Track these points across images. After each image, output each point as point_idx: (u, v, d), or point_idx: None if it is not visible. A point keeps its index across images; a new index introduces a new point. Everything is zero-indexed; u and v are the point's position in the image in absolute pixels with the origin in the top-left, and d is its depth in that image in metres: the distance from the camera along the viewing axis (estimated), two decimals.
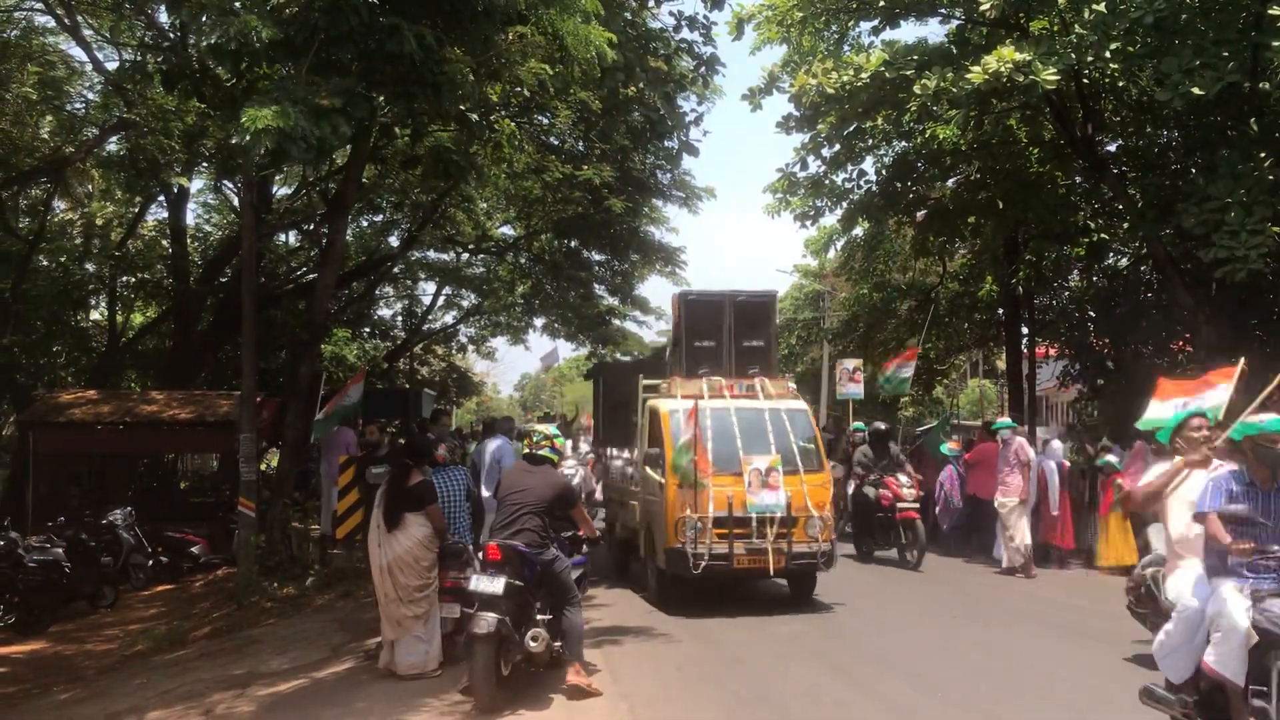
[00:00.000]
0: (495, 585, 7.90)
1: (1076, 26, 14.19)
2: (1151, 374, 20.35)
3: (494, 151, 17.14)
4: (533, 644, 8.02)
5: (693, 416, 11.71)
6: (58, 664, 12.03)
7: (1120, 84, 16.56)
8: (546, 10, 10.37)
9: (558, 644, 8.37)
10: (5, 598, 13.26)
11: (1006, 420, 16.77)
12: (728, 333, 13.27)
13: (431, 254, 30.20)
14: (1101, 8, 13.66)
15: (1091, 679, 8.78)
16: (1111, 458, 14.92)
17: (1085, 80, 16.62)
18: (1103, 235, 21.67)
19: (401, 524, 9.00)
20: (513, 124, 17.40)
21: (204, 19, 8.94)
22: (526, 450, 9.10)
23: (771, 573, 11.81)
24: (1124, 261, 22.62)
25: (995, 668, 9.23)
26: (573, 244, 27.43)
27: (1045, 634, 10.90)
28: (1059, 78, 14.00)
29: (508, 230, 29.70)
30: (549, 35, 10.84)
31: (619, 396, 15.51)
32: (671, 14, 14.62)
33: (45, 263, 22.88)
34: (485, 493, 13.13)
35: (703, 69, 15.75)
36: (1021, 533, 14.77)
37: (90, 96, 20.25)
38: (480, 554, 8.53)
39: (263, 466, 18.21)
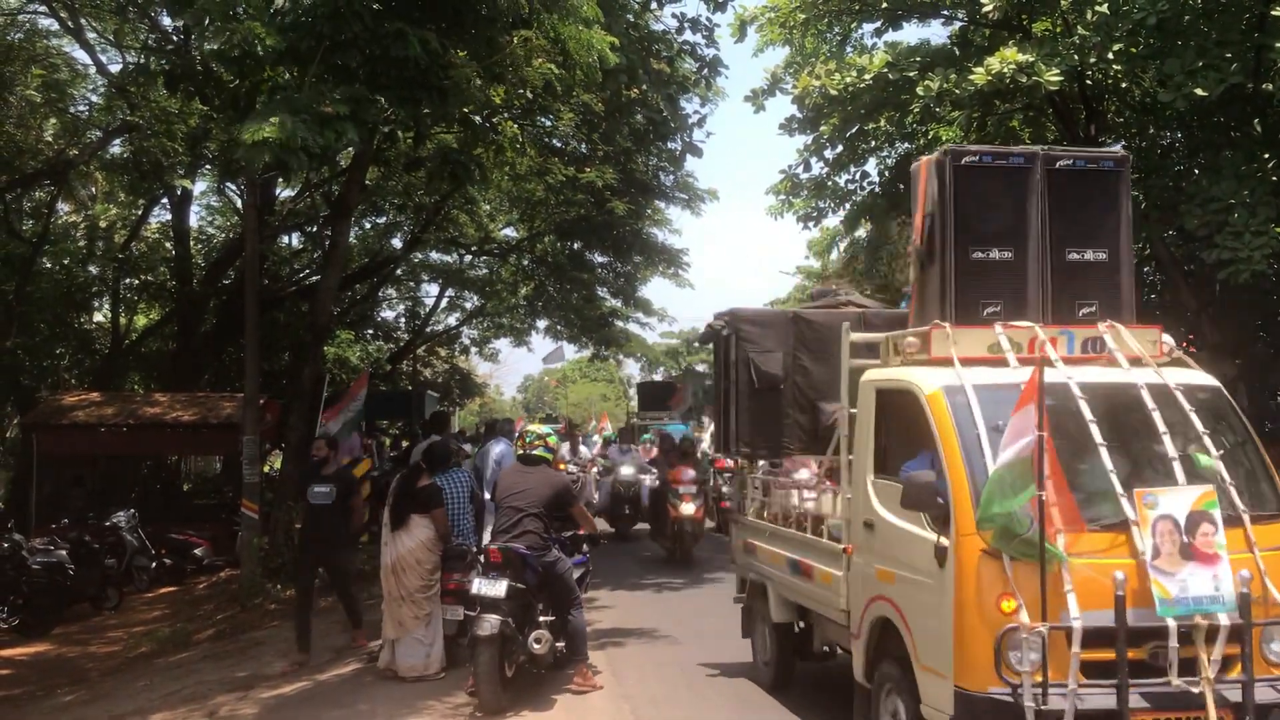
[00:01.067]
0: (498, 589, 7.95)
1: (1079, 28, 14.18)
2: None
3: (496, 154, 17.16)
4: (536, 646, 8.04)
5: (1033, 403, 5.36)
6: (61, 666, 12.05)
7: (1123, 85, 16.52)
8: (548, 15, 10.41)
9: (560, 644, 8.40)
10: (9, 599, 13.27)
11: None
12: (1039, 233, 6.93)
13: (434, 256, 30.25)
14: (1104, 9, 13.65)
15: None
16: None
17: (1088, 81, 16.59)
18: None
19: (406, 525, 9.06)
20: (515, 126, 17.42)
21: (207, 25, 8.95)
22: (520, 451, 9.10)
23: None
24: None
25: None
26: (575, 246, 27.45)
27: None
28: (1062, 79, 13.98)
29: (510, 232, 29.73)
30: (551, 40, 10.87)
31: (773, 366, 8.91)
32: (674, 16, 14.68)
33: (49, 265, 22.92)
34: (487, 495, 13.12)
35: (705, 71, 15.81)
36: None
37: (94, 99, 20.32)
38: (482, 557, 8.51)
39: (266, 469, 18.23)
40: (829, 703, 8.15)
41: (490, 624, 7.78)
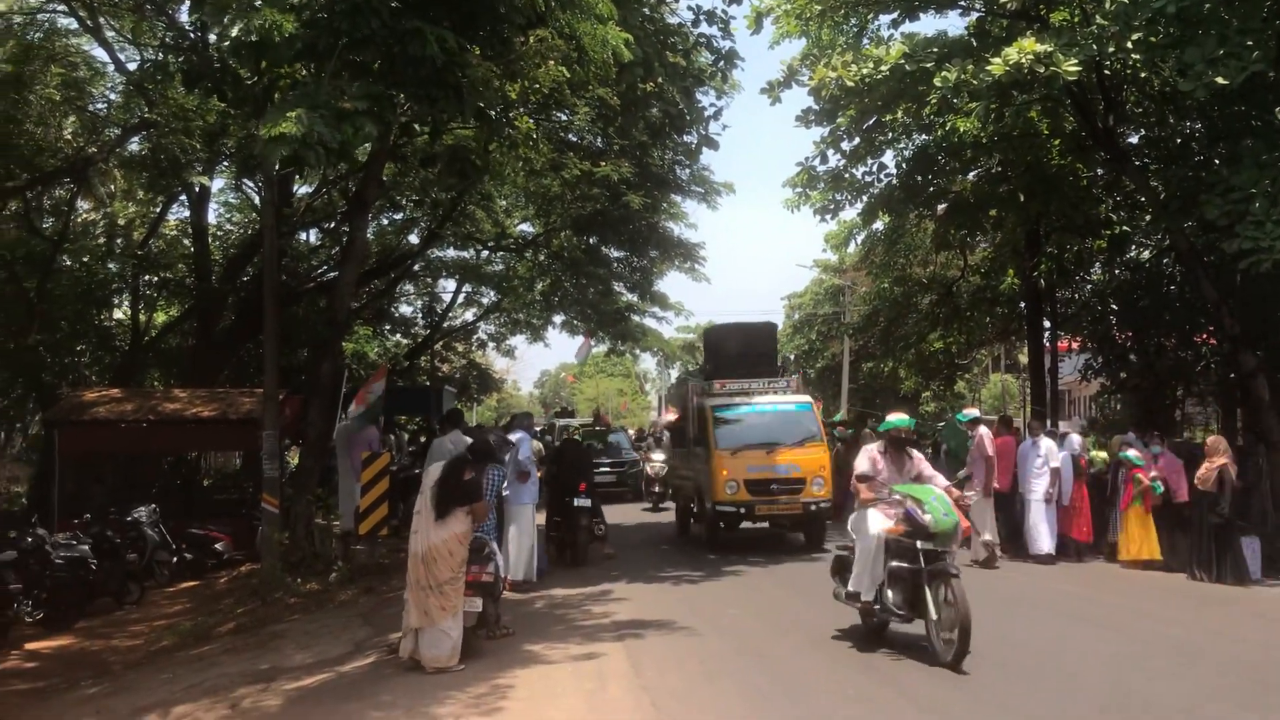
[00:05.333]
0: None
1: (1098, 17, 14.09)
2: (1175, 367, 20.36)
3: (511, 149, 17.19)
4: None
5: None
6: (85, 659, 12.12)
7: (1142, 75, 16.42)
8: (563, 13, 10.43)
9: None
10: (34, 593, 13.34)
11: (971, 412, 16.89)
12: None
13: (451, 251, 30.36)
14: None
15: (1108, 668, 8.76)
16: (1132, 452, 14.83)
17: (1107, 71, 16.52)
18: (1125, 227, 21.54)
19: (447, 516, 9.13)
20: (531, 121, 17.42)
21: (225, 15, 8.99)
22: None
23: None
24: (1146, 254, 22.49)
25: (1016, 659, 9.19)
26: (591, 240, 27.48)
27: (1064, 625, 10.84)
28: (1080, 69, 13.91)
29: (527, 227, 29.78)
30: (566, 37, 10.89)
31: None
32: (690, 9, 14.62)
33: (69, 262, 23.09)
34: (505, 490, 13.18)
35: (721, 63, 15.77)
36: (988, 527, 14.86)
37: (112, 97, 20.47)
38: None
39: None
40: (853, 695, 8.16)
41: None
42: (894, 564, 9.17)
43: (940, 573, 8.84)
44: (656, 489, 24.47)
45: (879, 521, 9.43)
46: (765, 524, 17.15)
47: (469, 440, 13.49)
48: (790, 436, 16.58)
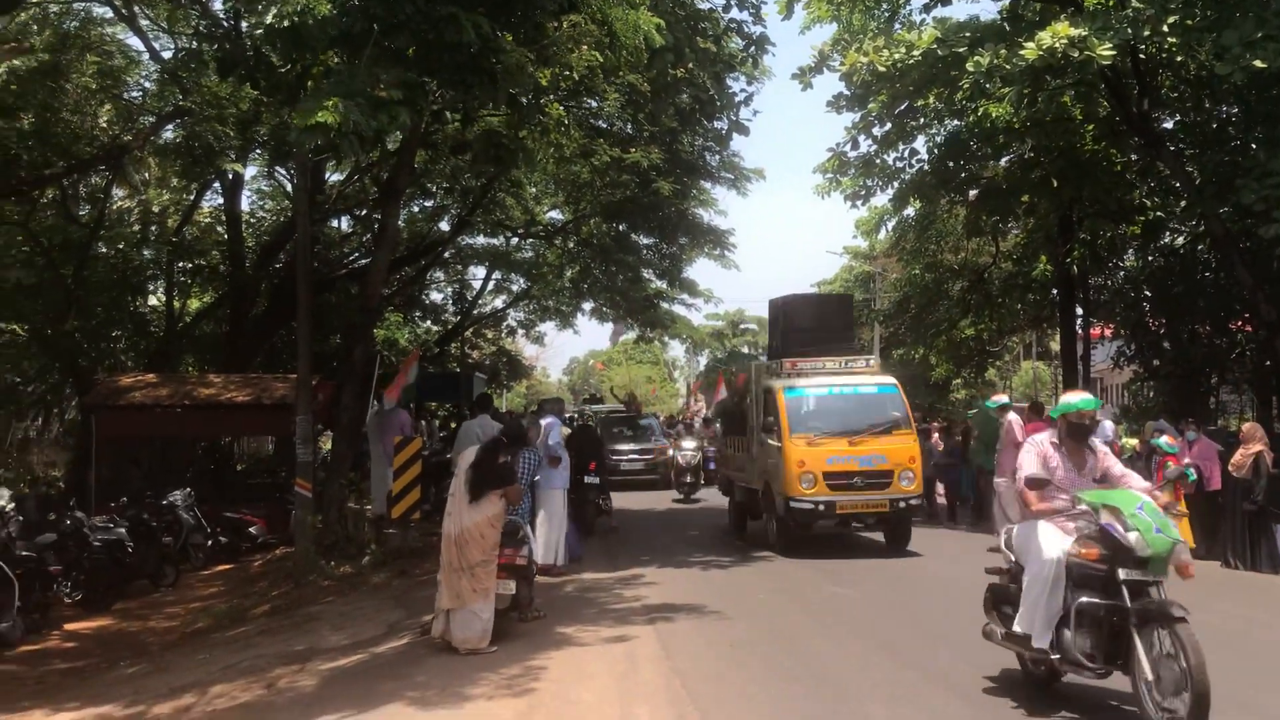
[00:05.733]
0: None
1: (1133, 0, 13.96)
2: (1210, 354, 20.18)
3: (542, 136, 17.22)
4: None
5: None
6: (123, 639, 12.31)
7: (1178, 58, 16.27)
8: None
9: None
10: (72, 575, 13.57)
11: (1000, 399, 16.60)
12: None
13: (481, 238, 30.43)
14: None
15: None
16: (1164, 439, 14.72)
17: (1141, 55, 16.38)
18: (1159, 213, 21.35)
19: (480, 499, 9.21)
20: (561, 108, 17.45)
21: (260, 2, 9.05)
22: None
23: None
24: (1181, 240, 22.28)
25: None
26: (621, 227, 27.48)
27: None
28: (1115, 53, 13.80)
29: (556, 214, 29.81)
30: (598, 22, 10.91)
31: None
32: None
33: (105, 249, 23.33)
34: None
35: (752, 49, 15.71)
36: (1017, 514, 14.60)
37: (147, 85, 20.66)
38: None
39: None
40: (883, 679, 8.18)
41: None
42: (1083, 599, 6.86)
43: (1158, 614, 6.51)
44: (688, 479, 23.69)
45: (1056, 540, 7.13)
46: (852, 523, 14.95)
47: (496, 425, 13.67)
48: (874, 423, 14.76)
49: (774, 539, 15.08)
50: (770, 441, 15.03)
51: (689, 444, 24.38)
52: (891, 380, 15.78)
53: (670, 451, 26.03)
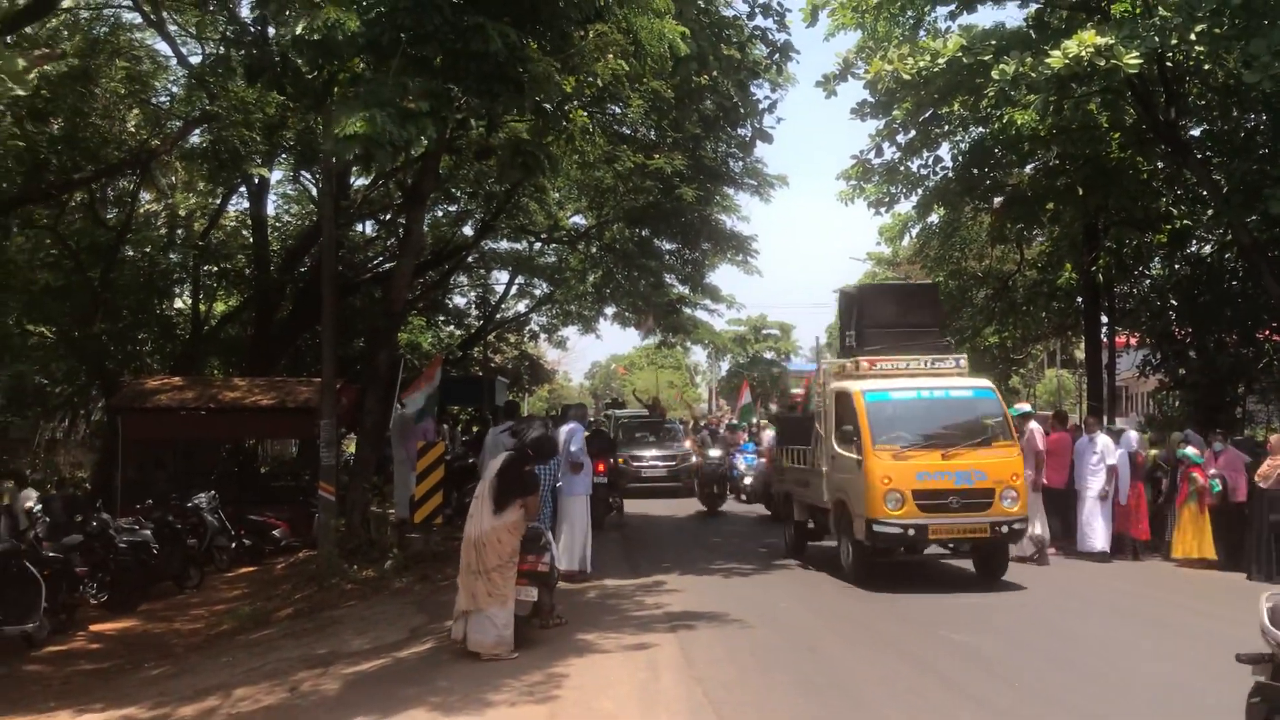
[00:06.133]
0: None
1: (1160, 8, 13.88)
2: (1236, 364, 20.01)
3: (567, 143, 17.26)
4: None
5: None
6: (148, 641, 12.41)
7: (1205, 66, 16.17)
8: (620, 8, 10.48)
9: None
10: (98, 576, 13.69)
11: (1022, 407, 16.46)
12: None
13: (504, 243, 30.48)
14: None
15: (1163, 666, 8.67)
16: (1190, 449, 14.62)
17: (1169, 63, 16.27)
18: (1186, 222, 21.21)
19: (506, 506, 9.26)
20: (586, 114, 17.49)
21: (290, 12, 9.14)
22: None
23: None
24: (1208, 249, 22.13)
25: (1067, 654, 9.13)
26: (644, 233, 27.47)
27: (1117, 622, 10.72)
28: (1141, 61, 13.72)
29: (579, 220, 29.83)
30: (623, 31, 10.94)
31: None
32: (745, 1, 14.61)
33: (132, 253, 23.54)
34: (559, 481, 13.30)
35: (776, 56, 15.71)
36: (1039, 522, 14.47)
37: (175, 90, 20.82)
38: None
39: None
40: (904, 689, 8.16)
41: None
42: None
43: None
44: (714, 489, 22.08)
45: None
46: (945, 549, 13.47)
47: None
48: (971, 433, 12.81)
49: (848, 566, 13.12)
50: (845, 453, 13.02)
51: (715, 452, 22.84)
52: (987, 383, 14.10)
53: (694, 458, 25.12)
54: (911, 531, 12.23)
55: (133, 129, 20.66)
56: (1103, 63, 13.47)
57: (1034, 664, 8.81)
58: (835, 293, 16.68)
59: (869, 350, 13.94)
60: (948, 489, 12.24)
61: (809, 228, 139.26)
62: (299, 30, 8.89)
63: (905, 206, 22.46)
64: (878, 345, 13.99)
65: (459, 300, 34.47)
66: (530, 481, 9.58)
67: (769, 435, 21.33)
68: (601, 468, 16.56)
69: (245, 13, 16.48)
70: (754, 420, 29.25)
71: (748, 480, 22.54)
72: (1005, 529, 12.36)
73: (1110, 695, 7.94)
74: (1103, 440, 15.23)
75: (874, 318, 14.57)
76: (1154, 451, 16.16)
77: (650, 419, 29.70)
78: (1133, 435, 16.03)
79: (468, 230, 28.31)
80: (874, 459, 12.34)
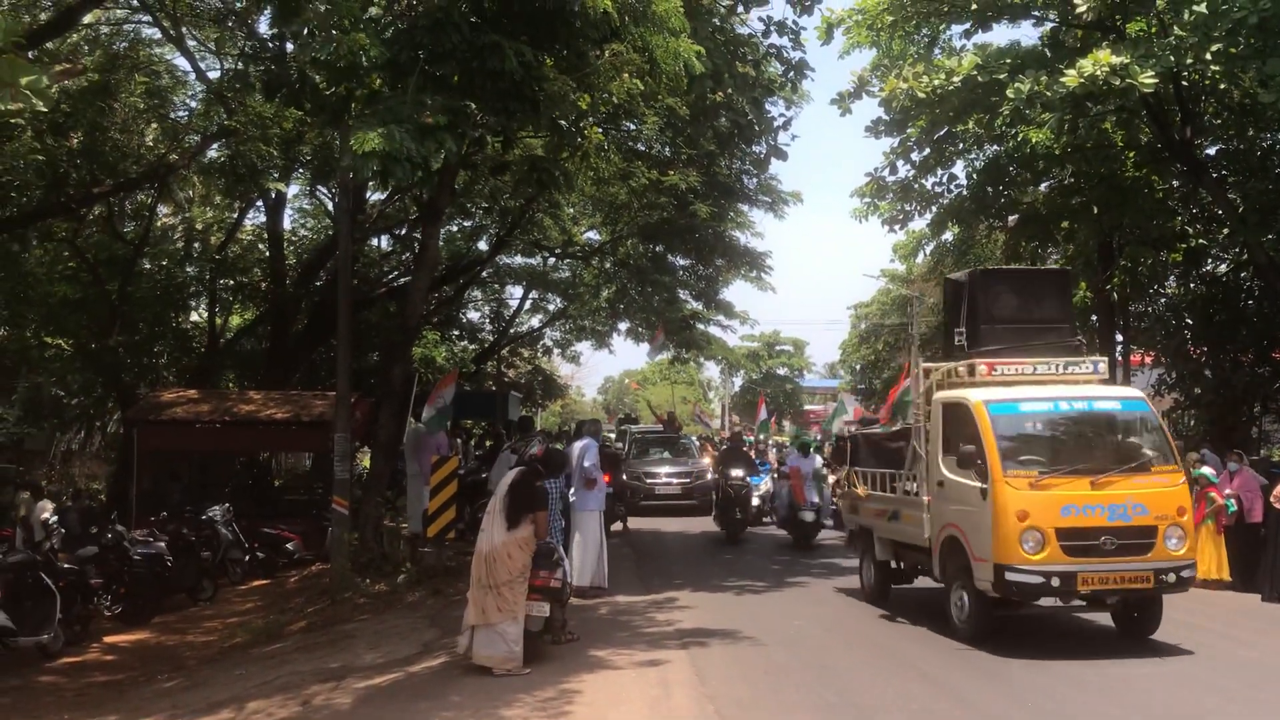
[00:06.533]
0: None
1: (1175, 28, 13.89)
2: (1252, 384, 19.94)
3: (582, 159, 17.32)
4: None
5: None
6: (161, 653, 12.46)
7: (1221, 86, 16.16)
8: (637, 28, 10.54)
9: None
10: (113, 589, 13.74)
11: None
12: None
13: (519, 258, 30.59)
14: (1202, 8, 13.34)
15: (1177, 687, 8.62)
16: (1207, 469, 14.55)
17: (1184, 82, 16.27)
18: (1201, 241, 21.17)
19: (517, 523, 9.29)
20: (600, 131, 17.56)
21: (313, 36, 9.22)
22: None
23: None
24: (1223, 268, 22.07)
25: (1079, 673, 9.09)
26: (658, 249, 27.53)
27: (1129, 641, 10.59)
28: (1157, 80, 13.72)
29: (593, 235, 29.92)
30: (639, 50, 11.00)
31: None
32: (761, 20, 14.62)
33: (149, 266, 23.68)
34: (572, 495, 13.29)
35: (791, 74, 15.76)
36: None
37: (193, 105, 20.96)
38: None
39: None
40: (919, 710, 8.14)
41: None
42: None
43: None
44: (737, 514, 19.49)
45: None
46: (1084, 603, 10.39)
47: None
48: (1123, 455, 10.40)
49: (963, 621, 10.51)
50: (961, 479, 10.47)
51: (738, 471, 19.86)
52: (1138, 393, 11.80)
53: (710, 475, 23.58)
54: (1055, 580, 9.65)
55: (151, 143, 20.81)
56: (1118, 82, 13.47)
57: (1041, 680, 8.76)
58: (945, 280, 14.17)
59: (986, 352, 11.48)
60: (1100, 526, 9.78)
61: (823, 244, 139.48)
62: (323, 58, 8.99)
63: (919, 224, 22.50)
64: (996, 345, 11.56)
65: (473, 315, 34.65)
66: (540, 497, 9.61)
67: (794, 455, 19.90)
68: (608, 478, 16.30)
69: (264, 29, 16.63)
70: (762, 437, 29.15)
71: (754, 500, 20.98)
72: (1171, 577, 9.85)
73: (1127, 714, 7.91)
74: None
75: (991, 311, 11.89)
76: None
77: (665, 434, 29.48)
78: None
79: (482, 245, 28.42)
80: (1005, 488, 9.84)
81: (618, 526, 18.78)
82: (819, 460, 19.77)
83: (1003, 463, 9.97)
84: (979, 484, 10.10)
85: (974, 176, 21.26)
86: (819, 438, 27.53)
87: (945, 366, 11.97)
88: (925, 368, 12.20)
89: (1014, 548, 9.68)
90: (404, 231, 26.04)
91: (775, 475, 22.04)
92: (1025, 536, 9.68)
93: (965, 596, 10.44)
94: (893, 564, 12.73)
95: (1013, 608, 10.23)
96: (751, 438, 29.59)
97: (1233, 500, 14.18)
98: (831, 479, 17.32)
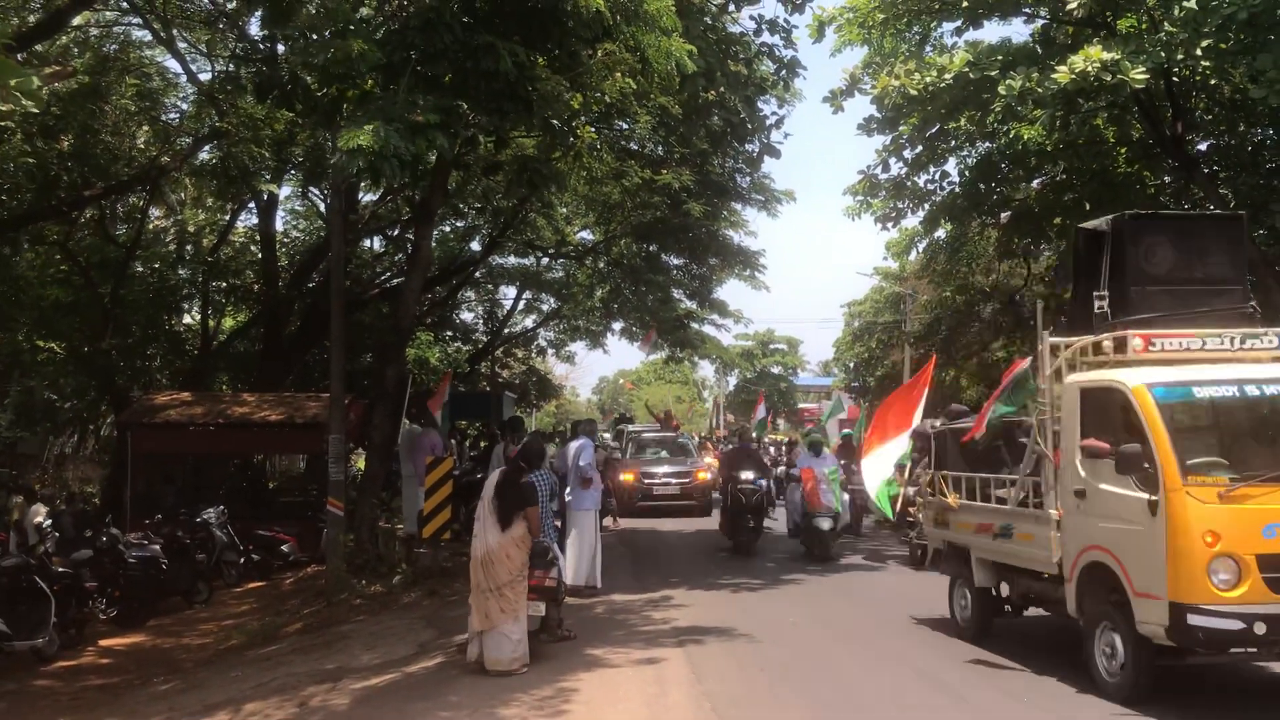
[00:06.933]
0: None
1: (1166, 24, 13.93)
2: None
3: (575, 160, 17.30)
4: None
5: None
6: (157, 656, 12.43)
7: (1212, 82, 16.20)
8: (629, 27, 10.55)
9: None
10: (108, 591, 13.72)
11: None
12: None
13: (512, 259, 30.60)
14: (1192, 4, 13.37)
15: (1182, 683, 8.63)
16: None
17: (1175, 78, 16.30)
18: None
19: (510, 522, 9.27)
20: (593, 131, 17.54)
21: (307, 41, 9.22)
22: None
23: None
24: None
25: (1088, 679, 9.08)
26: (651, 248, 27.54)
27: None
28: (1148, 76, 13.74)
29: (587, 235, 29.94)
30: (631, 49, 11.01)
31: None
32: (752, 18, 14.66)
33: (141, 269, 23.66)
34: (568, 495, 13.29)
35: (783, 72, 15.78)
36: None
37: (184, 107, 20.92)
38: None
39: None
40: (916, 706, 8.15)
41: None
42: None
43: None
44: (749, 521, 17.44)
45: None
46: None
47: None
48: None
49: (1119, 676, 7.96)
50: (1115, 488, 7.97)
51: (748, 474, 17.67)
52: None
53: (707, 475, 23.31)
54: (1261, 627, 7.14)
55: (142, 145, 20.77)
56: (1109, 78, 13.49)
57: (1051, 683, 8.76)
58: (1077, 230, 10.17)
59: (1137, 322, 8.87)
60: None
61: (816, 242, 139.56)
62: (320, 62, 8.99)
63: (912, 221, 22.48)
64: (1150, 313, 9.00)
65: (467, 315, 34.68)
66: (529, 493, 9.58)
67: (805, 455, 18.08)
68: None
69: (255, 30, 16.60)
70: (756, 435, 29.11)
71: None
72: None
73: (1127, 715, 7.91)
74: None
75: (1144, 269, 9.23)
76: None
77: (662, 434, 29.34)
78: None
79: (476, 245, 28.42)
80: (1186, 500, 7.36)
81: (608, 522, 18.88)
82: (833, 460, 17.83)
83: (1181, 466, 7.47)
84: (1144, 494, 7.62)
85: (966, 173, 21.26)
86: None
87: (1082, 341, 9.03)
88: (1052, 343, 9.10)
89: (1200, 581, 7.22)
90: (396, 232, 26.03)
91: (775, 477, 22.01)
92: (1215, 566, 7.23)
93: (1118, 642, 7.95)
94: (995, 591, 10.16)
95: (1183, 656, 7.65)
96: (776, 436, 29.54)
97: None
98: (910, 489, 14.96)
